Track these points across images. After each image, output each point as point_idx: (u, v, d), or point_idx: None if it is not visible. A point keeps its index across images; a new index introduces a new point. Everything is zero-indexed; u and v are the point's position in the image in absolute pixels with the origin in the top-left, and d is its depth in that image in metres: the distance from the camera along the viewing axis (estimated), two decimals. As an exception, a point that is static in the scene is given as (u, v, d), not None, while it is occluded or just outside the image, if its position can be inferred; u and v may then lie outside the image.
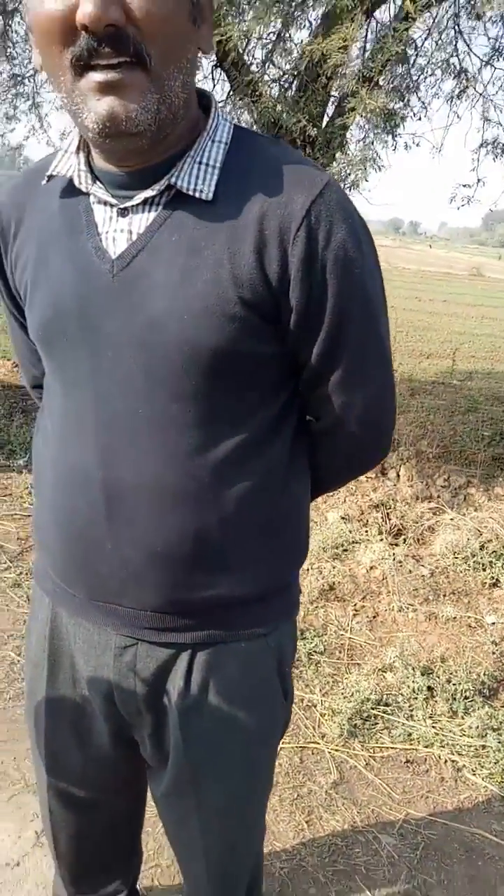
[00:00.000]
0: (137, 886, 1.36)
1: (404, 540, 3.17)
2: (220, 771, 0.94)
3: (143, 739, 0.97)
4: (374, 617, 2.68)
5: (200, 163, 0.78)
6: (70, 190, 0.83)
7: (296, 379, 0.88)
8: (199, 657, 0.90)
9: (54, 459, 0.89)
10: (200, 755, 0.93)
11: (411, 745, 2.05)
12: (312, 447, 0.96)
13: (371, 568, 2.94)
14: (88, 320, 0.81)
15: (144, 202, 0.79)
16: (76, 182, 0.81)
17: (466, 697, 2.20)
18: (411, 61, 3.40)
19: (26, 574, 2.68)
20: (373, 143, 3.11)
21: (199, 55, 0.77)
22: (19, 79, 4.11)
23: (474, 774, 1.96)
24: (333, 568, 2.92)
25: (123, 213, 0.80)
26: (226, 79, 3.30)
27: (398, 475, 3.68)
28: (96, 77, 0.68)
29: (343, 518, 3.29)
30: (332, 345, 0.82)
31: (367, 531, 3.20)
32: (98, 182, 0.81)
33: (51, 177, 0.84)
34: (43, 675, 0.99)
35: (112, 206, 0.80)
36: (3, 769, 1.83)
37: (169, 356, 0.77)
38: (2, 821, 1.67)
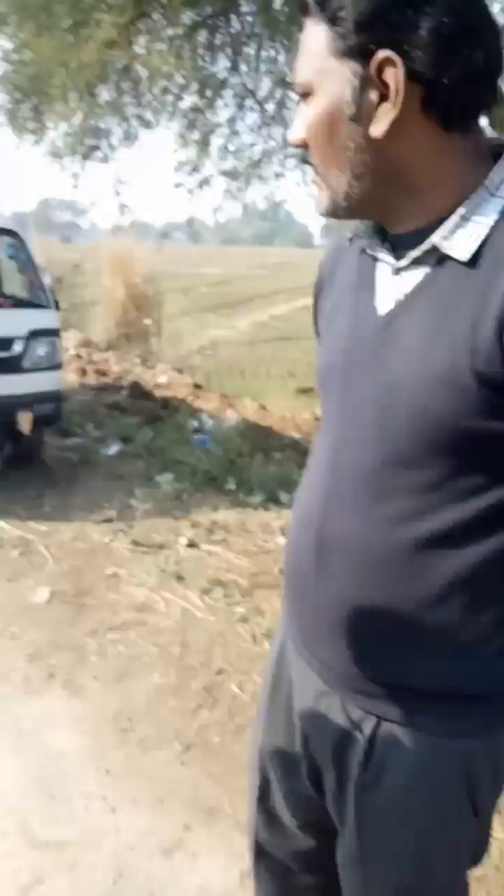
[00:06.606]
0: None
1: None
2: (387, 859, 0.89)
3: (329, 794, 0.95)
4: None
5: (467, 219, 0.75)
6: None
7: None
8: (383, 729, 0.86)
9: (301, 492, 0.95)
10: (370, 835, 0.89)
11: None
12: None
13: None
14: (348, 372, 0.85)
15: (416, 262, 0.79)
16: (361, 244, 0.87)
17: None
18: None
19: (254, 610, 2.78)
20: None
21: (379, 134, 0.74)
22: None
23: None
24: None
25: (398, 272, 0.81)
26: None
27: None
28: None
29: None
30: None
31: None
32: (386, 243, 0.84)
33: (351, 239, 0.92)
34: (266, 694, 1.04)
35: (390, 265, 0.82)
36: (217, 803, 1.90)
37: (398, 418, 0.78)
38: (212, 852, 1.73)
